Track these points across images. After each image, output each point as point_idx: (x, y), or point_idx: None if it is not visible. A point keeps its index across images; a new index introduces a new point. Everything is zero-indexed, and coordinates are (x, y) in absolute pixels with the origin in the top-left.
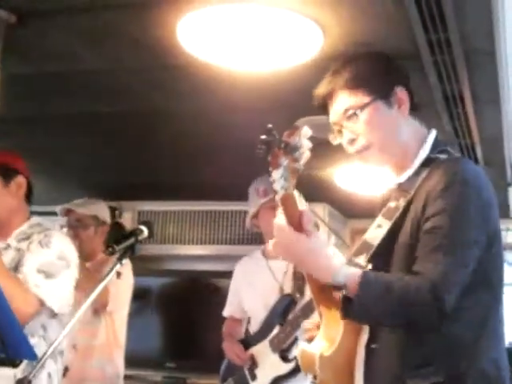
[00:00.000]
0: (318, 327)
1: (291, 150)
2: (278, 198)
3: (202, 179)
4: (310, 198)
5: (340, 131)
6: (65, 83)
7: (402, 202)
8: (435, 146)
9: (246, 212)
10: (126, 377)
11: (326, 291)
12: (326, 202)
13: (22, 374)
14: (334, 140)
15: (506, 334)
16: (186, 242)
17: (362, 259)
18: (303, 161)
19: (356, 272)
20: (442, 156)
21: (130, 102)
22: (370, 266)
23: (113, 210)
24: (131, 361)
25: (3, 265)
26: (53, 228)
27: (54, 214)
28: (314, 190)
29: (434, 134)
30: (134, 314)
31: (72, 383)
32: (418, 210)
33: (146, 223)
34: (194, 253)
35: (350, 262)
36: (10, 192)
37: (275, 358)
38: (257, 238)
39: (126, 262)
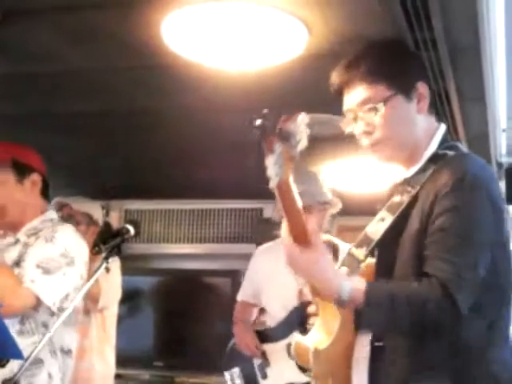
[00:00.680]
0: None
1: (286, 136)
2: (272, 184)
3: (188, 178)
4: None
5: (355, 119)
6: (49, 82)
7: (406, 198)
8: (443, 142)
9: (233, 210)
10: (115, 376)
11: None
12: None
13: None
14: (347, 127)
15: None
16: (173, 241)
17: (362, 252)
18: (300, 147)
19: (360, 286)
20: (450, 152)
21: (115, 102)
22: (369, 259)
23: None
24: (119, 360)
25: None
26: (64, 224)
27: None
28: None
29: (442, 129)
30: (121, 313)
31: None
32: (426, 207)
33: (132, 222)
34: (181, 251)
35: (350, 254)
36: (24, 189)
37: (293, 364)
38: (244, 236)
39: (115, 259)
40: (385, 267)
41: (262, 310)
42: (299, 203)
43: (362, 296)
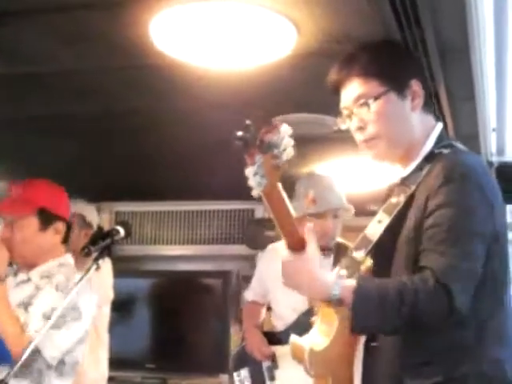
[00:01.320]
0: None
1: (268, 147)
2: (254, 194)
3: (180, 179)
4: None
5: (349, 116)
6: (39, 83)
7: (403, 198)
8: (440, 140)
9: (224, 211)
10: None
11: None
12: None
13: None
14: (342, 124)
15: None
16: (164, 243)
17: (361, 254)
18: (286, 157)
19: (350, 287)
20: (445, 150)
21: (105, 102)
22: (368, 261)
23: None
24: (111, 362)
25: (4, 299)
26: (78, 271)
27: None
28: (291, 187)
29: (439, 127)
30: (112, 315)
31: None
32: (421, 205)
33: (122, 223)
34: (172, 253)
35: (349, 257)
36: (46, 236)
37: (301, 368)
38: (235, 237)
39: (106, 260)
40: (382, 269)
41: (269, 309)
42: (291, 211)
43: (353, 292)
